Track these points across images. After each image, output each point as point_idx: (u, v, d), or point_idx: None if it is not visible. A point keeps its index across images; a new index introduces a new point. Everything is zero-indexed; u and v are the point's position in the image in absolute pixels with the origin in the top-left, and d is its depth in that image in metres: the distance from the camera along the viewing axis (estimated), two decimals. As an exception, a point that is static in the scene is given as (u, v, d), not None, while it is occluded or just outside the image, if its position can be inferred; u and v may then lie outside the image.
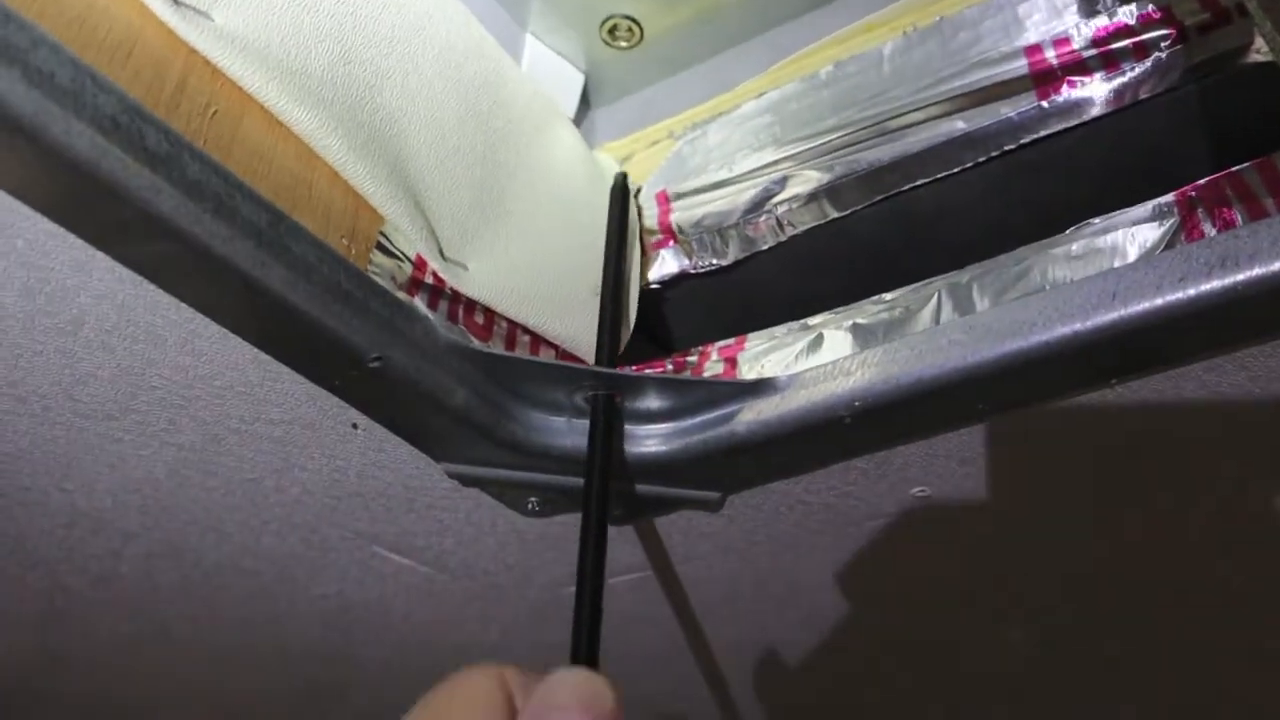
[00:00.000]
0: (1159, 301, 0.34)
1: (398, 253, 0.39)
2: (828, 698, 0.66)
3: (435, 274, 0.40)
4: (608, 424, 0.40)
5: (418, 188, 0.40)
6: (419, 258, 0.40)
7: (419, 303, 0.39)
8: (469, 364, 0.39)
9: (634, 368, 0.46)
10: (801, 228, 0.50)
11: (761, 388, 0.40)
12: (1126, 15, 0.44)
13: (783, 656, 0.60)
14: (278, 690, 0.69)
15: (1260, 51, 0.41)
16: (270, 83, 0.34)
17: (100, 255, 0.32)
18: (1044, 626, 0.55)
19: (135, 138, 0.29)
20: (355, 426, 0.40)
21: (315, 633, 0.61)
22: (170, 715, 0.76)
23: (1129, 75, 0.43)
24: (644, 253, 0.53)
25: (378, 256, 0.38)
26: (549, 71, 0.57)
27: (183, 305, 0.34)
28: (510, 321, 0.43)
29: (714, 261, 0.52)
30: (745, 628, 0.57)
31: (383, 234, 0.38)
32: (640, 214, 0.53)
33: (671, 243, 0.53)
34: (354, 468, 0.43)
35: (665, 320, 0.56)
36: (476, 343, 0.41)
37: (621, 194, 0.46)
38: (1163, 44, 0.43)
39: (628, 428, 0.42)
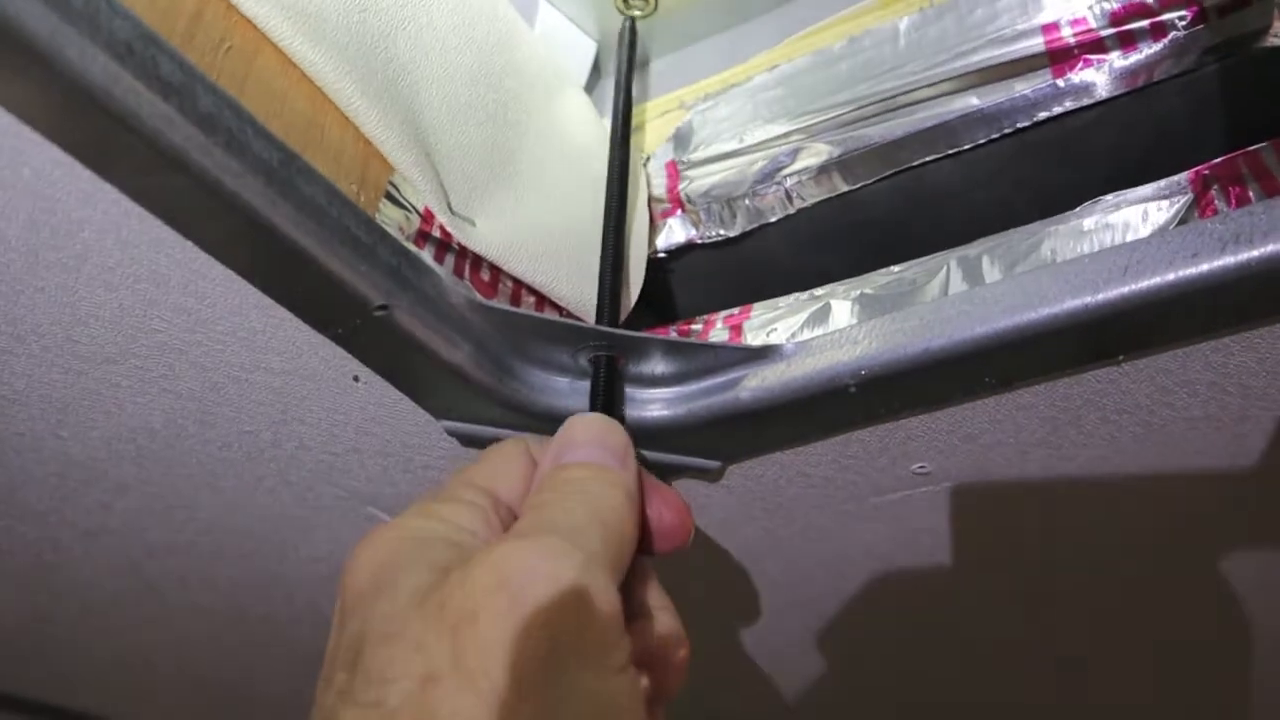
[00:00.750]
0: (1170, 277, 0.34)
1: (406, 204, 0.38)
2: (812, 682, 0.66)
3: (442, 228, 0.40)
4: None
5: (428, 140, 0.40)
6: (427, 210, 0.39)
7: (425, 255, 0.39)
8: (475, 318, 0.38)
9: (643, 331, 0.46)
10: (810, 201, 0.50)
11: (767, 354, 0.39)
12: (1145, -5, 0.44)
13: (768, 636, 0.60)
14: (267, 653, 0.69)
15: (1278, 34, 0.41)
16: (286, 22, 0.34)
17: (107, 188, 0.31)
18: (1038, 608, 0.55)
19: (149, 65, 0.28)
20: (356, 379, 0.40)
21: (304, 596, 0.61)
22: (156, 678, 0.75)
23: (1145, 55, 0.43)
24: (651, 221, 0.53)
25: (386, 206, 0.38)
26: (562, 38, 0.56)
27: (188, 244, 0.33)
28: (515, 281, 0.43)
29: (721, 232, 0.52)
30: (734, 603, 0.57)
31: (392, 184, 0.38)
32: (649, 182, 0.53)
33: (679, 212, 0.52)
34: (353, 422, 0.43)
35: (670, 290, 0.56)
36: (481, 298, 0.40)
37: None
38: (1180, 24, 0.43)
39: (630, 391, 0.41)
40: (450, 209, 0.40)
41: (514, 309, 0.38)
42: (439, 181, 0.40)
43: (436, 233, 0.40)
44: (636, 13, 0.56)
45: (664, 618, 0.34)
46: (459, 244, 0.40)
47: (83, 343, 0.39)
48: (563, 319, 0.44)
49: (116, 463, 0.47)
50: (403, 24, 0.40)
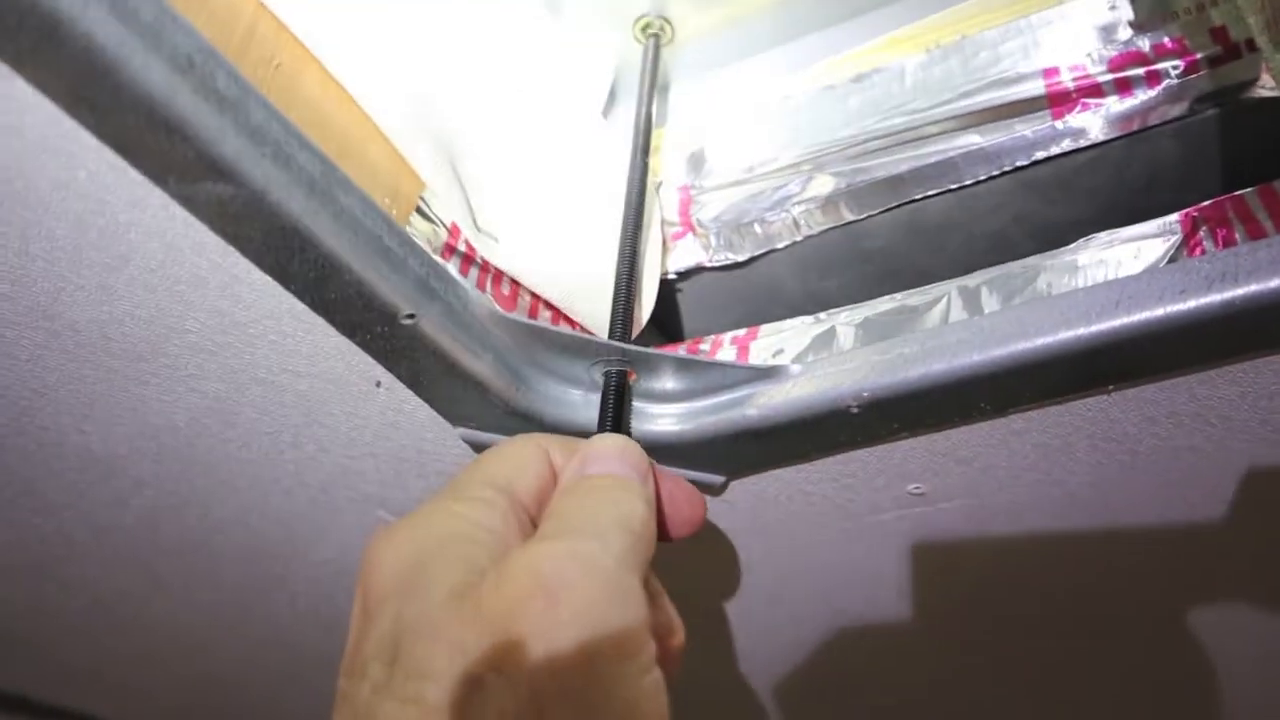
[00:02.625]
0: (1159, 312, 0.35)
1: (435, 218, 0.40)
2: (802, 696, 0.67)
3: (468, 242, 0.41)
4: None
5: (456, 158, 0.42)
6: (454, 225, 0.41)
7: (451, 268, 0.41)
8: (496, 330, 0.40)
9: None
10: (817, 229, 0.51)
11: (774, 374, 0.41)
12: (1141, 44, 0.46)
13: (759, 649, 0.62)
14: (268, 656, 0.70)
15: (1267, 87, 0.43)
16: (330, 43, 0.36)
17: (156, 192, 0.33)
18: (1028, 631, 0.56)
19: (207, 79, 0.30)
20: (379, 384, 0.41)
21: (309, 599, 0.62)
22: (157, 679, 0.76)
23: (1141, 101, 0.45)
24: (663, 243, 0.54)
25: (416, 220, 0.39)
26: (581, 63, 0.58)
27: (229, 249, 0.35)
28: (534, 296, 0.45)
29: (730, 256, 0.53)
30: (728, 616, 0.58)
31: (422, 199, 0.40)
32: (662, 205, 0.55)
33: (690, 235, 0.54)
34: (372, 427, 0.44)
35: (678, 311, 0.57)
36: (502, 311, 0.42)
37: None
38: (1174, 73, 0.45)
39: (640, 405, 0.43)
40: (475, 224, 0.42)
41: (533, 322, 0.39)
42: (466, 198, 0.42)
43: (462, 247, 0.41)
44: (654, 41, 0.59)
45: (662, 605, 0.35)
46: (482, 259, 0.42)
47: (116, 340, 0.40)
48: (579, 333, 0.46)
49: (136, 460, 0.48)
50: (435, 48, 0.42)
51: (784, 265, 0.53)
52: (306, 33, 0.36)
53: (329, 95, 0.37)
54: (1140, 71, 0.46)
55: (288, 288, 0.36)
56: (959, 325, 0.39)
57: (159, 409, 0.44)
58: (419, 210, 0.40)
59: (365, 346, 0.39)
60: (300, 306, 0.37)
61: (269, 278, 0.36)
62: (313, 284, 0.36)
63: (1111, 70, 0.46)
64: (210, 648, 0.70)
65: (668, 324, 0.58)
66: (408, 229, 0.39)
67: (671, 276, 0.55)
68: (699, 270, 0.55)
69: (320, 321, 0.38)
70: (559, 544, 0.29)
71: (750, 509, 0.48)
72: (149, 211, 0.34)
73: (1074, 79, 0.47)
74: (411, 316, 0.37)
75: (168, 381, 0.42)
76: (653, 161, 0.56)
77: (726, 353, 0.47)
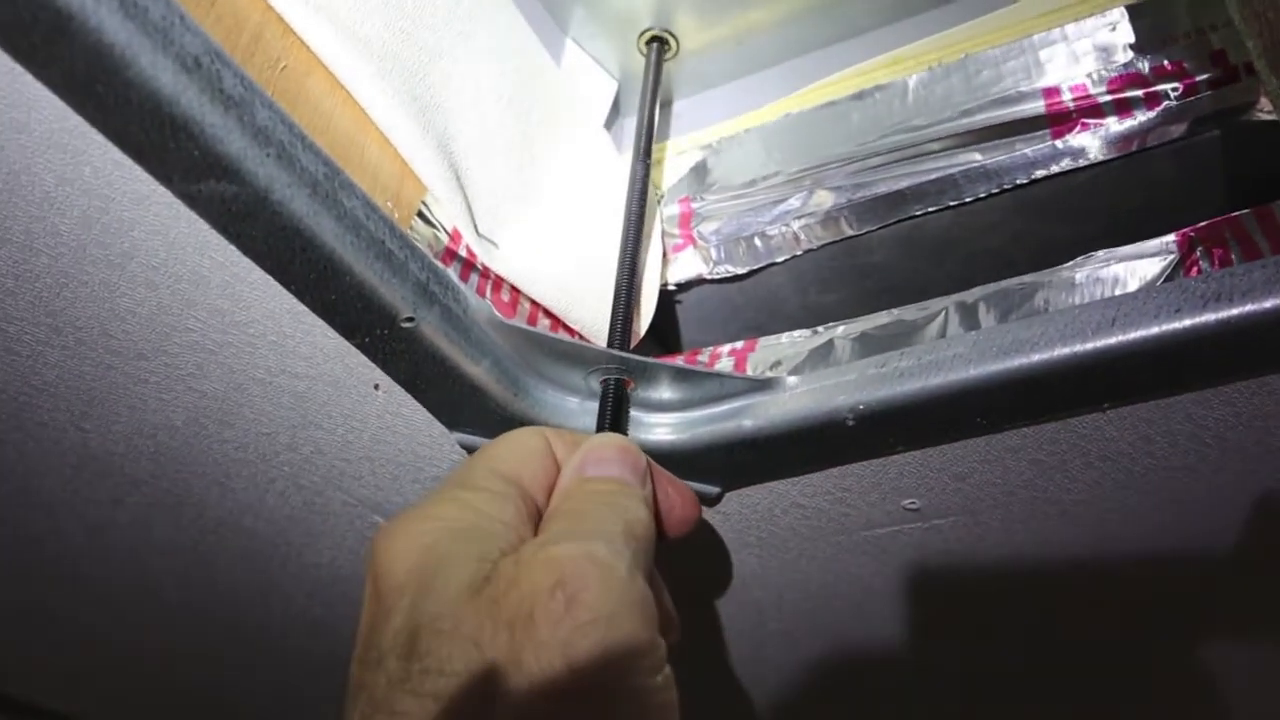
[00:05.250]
0: (1155, 330, 0.35)
1: (436, 223, 0.40)
2: (792, 707, 0.67)
3: (469, 248, 0.42)
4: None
5: (459, 164, 0.42)
6: (455, 230, 0.41)
7: (451, 273, 0.41)
8: (495, 336, 0.40)
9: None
10: (817, 243, 0.52)
11: (771, 385, 0.41)
12: (1141, 66, 0.46)
13: (751, 661, 0.62)
14: (257, 661, 0.69)
15: (1264, 110, 0.44)
16: (337, 46, 0.36)
17: (161, 190, 0.33)
18: (1018, 646, 0.56)
19: (214, 79, 0.30)
20: (377, 387, 0.42)
21: (300, 604, 0.62)
22: (144, 682, 0.76)
23: (1140, 122, 0.46)
24: (663, 254, 0.55)
25: (418, 224, 0.40)
26: (585, 76, 0.59)
27: (231, 248, 0.35)
28: (533, 303, 0.45)
29: (730, 269, 0.54)
30: (720, 627, 0.58)
31: (424, 203, 0.40)
32: (662, 217, 0.55)
33: (690, 247, 0.55)
34: (369, 430, 0.44)
35: (676, 322, 0.58)
36: (502, 317, 0.42)
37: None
38: (1173, 95, 0.45)
39: (637, 414, 0.43)
40: (476, 231, 0.42)
41: (532, 329, 0.40)
42: (467, 204, 0.42)
43: (463, 252, 0.41)
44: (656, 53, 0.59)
45: (662, 601, 0.36)
46: (483, 264, 0.42)
47: (117, 338, 0.41)
48: (578, 341, 0.46)
49: (134, 458, 0.48)
50: (440, 54, 0.42)
51: (783, 279, 0.54)
52: (312, 37, 0.36)
53: (334, 98, 0.37)
54: (1140, 93, 0.46)
55: (288, 288, 0.36)
56: (956, 340, 0.39)
57: (157, 407, 0.45)
58: (420, 214, 0.40)
59: (364, 349, 0.39)
60: (300, 307, 0.38)
61: (270, 277, 0.36)
62: (313, 285, 0.36)
63: (1111, 91, 0.46)
64: (201, 649, 0.70)
65: (666, 335, 0.58)
66: (409, 233, 0.39)
67: (671, 288, 0.55)
68: (699, 282, 0.55)
69: (320, 323, 0.38)
70: (573, 545, 0.30)
71: (745, 521, 0.48)
72: (153, 209, 0.34)
73: (1074, 99, 0.47)
74: (411, 320, 0.37)
75: (167, 380, 0.43)
76: (654, 173, 0.57)
77: (724, 364, 0.47)
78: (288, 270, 0.36)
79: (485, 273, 0.43)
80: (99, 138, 0.31)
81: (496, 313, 0.42)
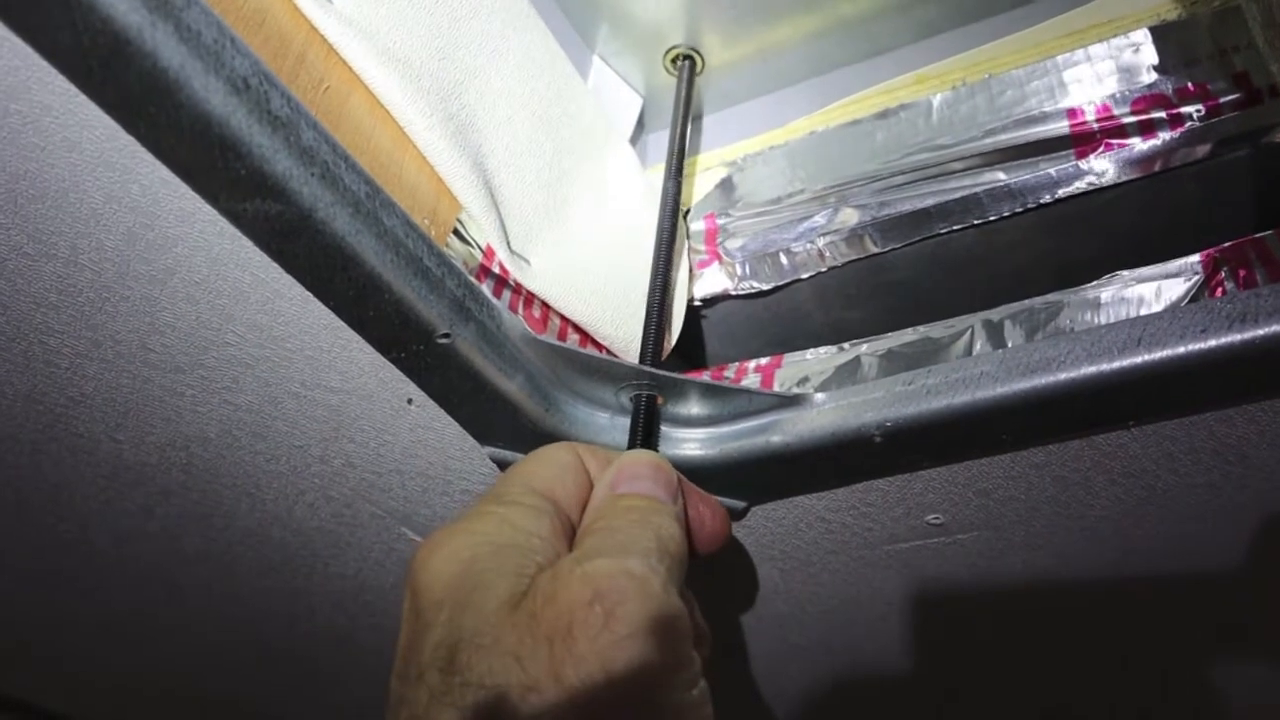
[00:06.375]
0: (1181, 350, 0.36)
1: (471, 240, 0.41)
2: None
3: (501, 264, 0.42)
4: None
5: (492, 181, 0.43)
6: (489, 247, 0.42)
7: (485, 289, 0.41)
8: (528, 352, 0.41)
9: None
10: (842, 260, 0.52)
11: (799, 402, 0.42)
12: (1164, 87, 0.47)
13: (774, 675, 0.62)
14: (279, 672, 0.70)
15: (1288, 132, 0.44)
16: (377, 66, 0.37)
17: (206, 208, 0.34)
18: (1039, 663, 0.57)
19: (262, 100, 0.31)
20: (410, 402, 0.42)
21: (325, 614, 0.62)
22: (165, 693, 0.76)
23: (1164, 142, 0.46)
24: (690, 270, 0.55)
25: (453, 241, 0.40)
26: (611, 92, 0.59)
27: (272, 265, 0.36)
28: (563, 318, 0.46)
29: (755, 285, 0.54)
30: (744, 640, 0.59)
31: (459, 221, 0.41)
32: (689, 232, 0.56)
33: (716, 263, 0.55)
34: (401, 443, 0.45)
35: (702, 337, 0.58)
36: (534, 333, 0.43)
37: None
38: (1197, 116, 0.46)
39: (666, 430, 0.44)
40: (509, 247, 0.43)
41: (566, 345, 0.40)
42: (500, 221, 0.42)
43: (496, 269, 0.42)
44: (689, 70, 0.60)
45: (695, 616, 0.36)
46: (515, 281, 0.43)
47: (155, 351, 0.41)
48: (610, 358, 0.46)
49: (166, 469, 0.49)
50: (475, 73, 0.43)
51: (808, 295, 0.54)
52: (354, 57, 0.37)
53: (374, 117, 0.38)
54: (1163, 114, 0.47)
55: (327, 304, 0.37)
56: (982, 358, 0.39)
57: (192, 419, 0.45)
58: (455, 232, 0.40)
59: (399, 364, 0.39)
60: (337, 323, 0.38)
61: (309, 293, 0.37)
62: (352, 301, 0.37)
63: (1135, 112, 0.47)
64: (223, 658, 0.70)
65: (691, 350, 0.59)
66: (446, 250, 0.40)
67: (697, 303, 0.56)
68: (724, 297, 0.56)
69: (356, 338, 0.39)
70: (609, 561, 0.30)
71: (769, 534, 0.48)
72: (197, 226, 0.35)
73: (1098, 120, 0.47)
74: (447, 336, 0.38)
75: (203, 393, 0.43)
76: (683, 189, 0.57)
77: (751, 380, 0.47)
78: (328, 287, 0.36)
79: (518, 289, 0.43)
80: (148, 156, 0.32)
81: (529, 329, 0.42)
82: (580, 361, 0.41)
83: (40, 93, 0.31)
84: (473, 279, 0.40)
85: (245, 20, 0.32)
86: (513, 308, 0.43)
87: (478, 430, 0.43)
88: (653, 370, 0.41)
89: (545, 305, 0.45)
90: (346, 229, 0.34)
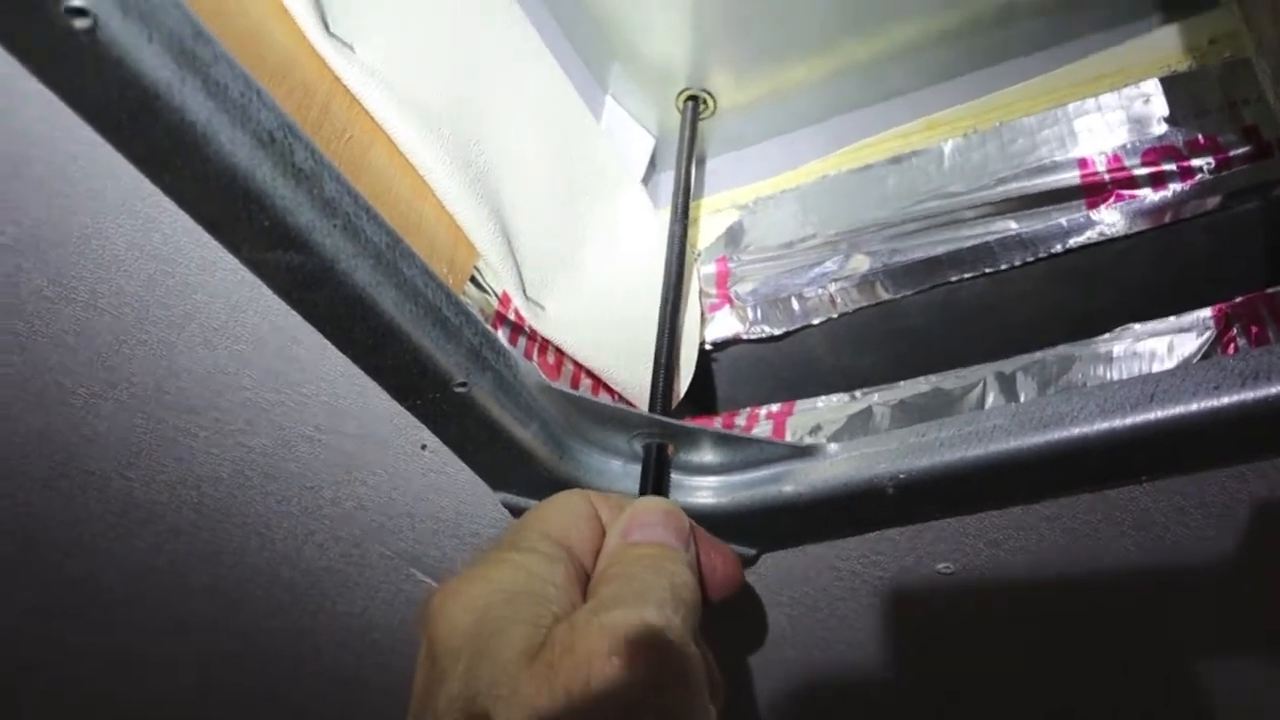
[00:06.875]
0: (1194, 407, 0.36)
1: (487, 287, 0.41)
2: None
3: (517, 311, 0.42)
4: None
5: (509, 228, 0.43)
6: (505, 294, 0.42)
7: (501, 337, 0.42)
8: (543, 400, 0.41)
9: (688, 420, 0.48)
10: (853, 306, 0.53)
11: (812, 452, 0.42)
12: (1175, 139, 0.47)
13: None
14: (286, 705, 0.70)
15: (1299, 187, 0.44)
16: (398, 116, 0.37)
17: (227, 256, 0.34)
18: (1046, 712, 0.56)
19: (287, 153, 0.31)
20: (424, 447, 0.42)
21: (330, 654, 0.62)
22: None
23: (1174, 193, 0.47)
24: (701, 314, 0.56)
25: (470, 289, 0.40)
26: (624, 131, 0.60)
27: (291, 312, 0.36)
28: (576, 365, 0.46)
29: (766, 329, 0.54)
30: (752, 686, 0.58)
31: (476, 268, 0.41)
32: (699, 276, 0.56)
33: (727, 306, 0.55)
34: (413, 488, 0.45)
35: (712, 381, 0.58)
36: (549, 381, 0.43)
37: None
38: (1207, 168, 0.46)
39: (678, 477, 0.44)
40: (525, 294, 0.43)
41: (579, 394, 0.40)
42: (517, 267, 0.43)
43: (512, 316, 0.42)
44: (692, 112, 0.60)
45: (709, 664, 0.36)
46: (530, 328, 0.43)
47: (171, 393, 0.41)
48: (623, 406, 0.46)
49: (176, 507, 0.49)
50: (492, 117, 0.44)
51: (818, 341, 0.54)
52: (374, 105, 0.37)
53: (394, 166, 0.38)
54: (1174, 166, 0.47)
55: (345, 352, 0.37)
56: (995, 411, 0.39)
57: (205, 460, 0.45)
58: (473, 279, 0.41)
59: (415, 411, 0.40)
60: (354, 369, 0.38)
61: (327, 341, 0.37)
62: (370, 350, 0.37)
63: (1145, 164, 0.47)
64: (230, 697, 0.70)
65: (702, 393, 0.59)
66: (463, 298, 0.40)
67: (708, 347, 0.56)
68: (735, 342, 0.56)
69: (372, 385, 0.39)
70: (627, 612, 0.30)
71: (779, 581, 0.48)
72: (218, 275, 0.35)
73: (1109, 170, 0.48)
74: (464, 385, 0.38)
75: (216, 435, 0.43)
76: (691, 232, 0.58)
77: (763, 427, 0.47)
78: (347, 336, 0.36)
79: (533, 335, 0.43)
80: (171, 205, 0.32)
81: (544, 377, 0.42)
82: (593, 410, 0.41)
83: (65, 142, 0.31)
84: (489, 327, 0.40)
85: (271, 72, 0.33)
86: (528, 354, 0.43)
87: (491, 477, 0.43)
88: (665, 420, 0.41)
89: (559, 351, 0.45)
90: (367, 280, 0.34)
